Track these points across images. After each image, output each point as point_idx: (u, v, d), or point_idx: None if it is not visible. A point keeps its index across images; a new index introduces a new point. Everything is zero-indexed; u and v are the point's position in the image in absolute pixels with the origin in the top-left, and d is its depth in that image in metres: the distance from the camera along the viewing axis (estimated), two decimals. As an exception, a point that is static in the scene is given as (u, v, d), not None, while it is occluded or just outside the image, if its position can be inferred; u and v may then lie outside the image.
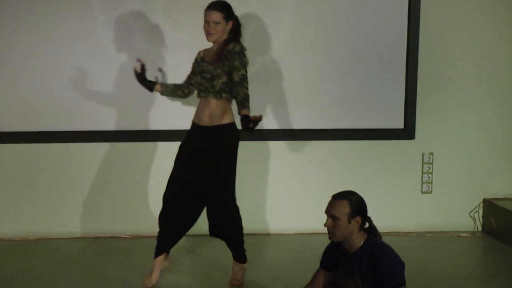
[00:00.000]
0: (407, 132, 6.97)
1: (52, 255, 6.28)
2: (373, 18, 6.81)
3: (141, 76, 5.64)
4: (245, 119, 5.09)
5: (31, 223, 6.76)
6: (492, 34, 7.03)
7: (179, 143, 5.49)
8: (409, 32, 6.87)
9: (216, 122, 5.30)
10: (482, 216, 7.17)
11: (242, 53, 5.27)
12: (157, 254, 5.48)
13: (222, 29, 5.27)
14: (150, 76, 5.76)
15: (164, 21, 6.61)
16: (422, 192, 7.10)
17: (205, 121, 5.31)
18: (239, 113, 5.18)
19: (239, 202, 6.39)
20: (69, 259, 6.16)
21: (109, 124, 6.65)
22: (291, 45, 6.78)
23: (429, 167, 7.09)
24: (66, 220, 6.77)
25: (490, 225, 7.03)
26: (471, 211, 7.18)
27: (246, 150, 6.66)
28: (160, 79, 6.23)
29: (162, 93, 5.70)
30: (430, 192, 7.11)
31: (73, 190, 6.75)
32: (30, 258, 6.18)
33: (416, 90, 6.95)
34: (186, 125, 5.50)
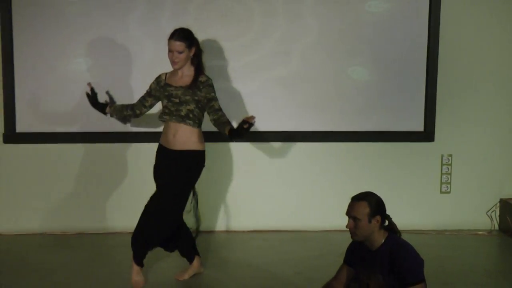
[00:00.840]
0: (427, 134, 7.02)
1: (90, 249, 6.43)
2: (394, 24, 6.87)
3: (92, 99, 5.85)
4: (240, 126, 5.20)
5: (71, 218, 6.92)
6: (511, 39, 7.08)
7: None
8: (429, 37, 6.92)
9: (184, 146, 5.42)
10: (499, 215, 7.21)
11: (213, 85, 5.50)
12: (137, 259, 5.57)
13: (186, 57, 5.41)
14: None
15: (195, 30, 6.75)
16: (441, 192, 7.16)
17: (171, 145, 5.44)
18: (228, 130, 5.30)
19: (269, 200, 6.62)
20: (106, 253, 6.29)
21: (138, 125, 6.79)
22: (315, 51, 6.86)
23: (448, 168, 7.13)
24: (103, 216, 6.94)
25: (506, 224, 7.07)
26: (488, 211, 7.23)
27: (274, 151, 6.87)
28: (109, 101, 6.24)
29: (111, 115, 5.83)
30: (449, 192, 7.16)
31: (111, 187, 6.90)
32: (70, 252, 6.34)
33: (436, 94, 6.99)
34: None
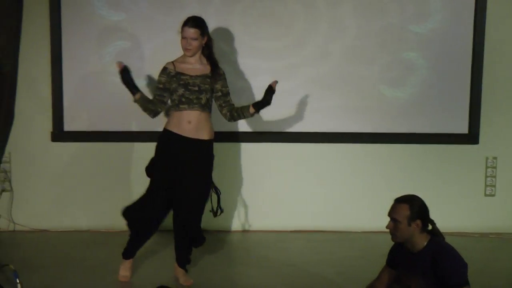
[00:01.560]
0: (471, 136, 6.98)
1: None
2: (439, 25, 6.85)
3: (126, 76, 5.54)
4: (266, 92, 5.48)
5: (115, 216, 6.78)
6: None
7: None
8: (474, 38, 6.89)
9: (203, 136, 5.48)
10: (544, 219, 7.14)
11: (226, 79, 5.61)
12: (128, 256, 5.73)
13: (199, 44, 5.46)
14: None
15: (241, 30, 6.81)
16: (485, 195, 7.11)
17: (190, 133, 5.44)
18: (252, 105, 5.50)
19: (311, 200, 6.65)
20: (150, 250, 6.32)
21: None
22: (357, 52, 6.88)
23: (493, 171, 7.08)
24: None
25: (551, 228, 6.99)
26: (533, 214, 7.16)
27: (316, 151, 6.95)
28: None
29: (136, 100, 5.56)
30: (493, 195, 7.11)
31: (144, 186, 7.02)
32: (114, 249, 6.29)
33: (481, 96, 6.95)
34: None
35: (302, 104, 6.88)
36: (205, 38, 5.50)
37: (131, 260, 5.74)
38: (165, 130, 5.56)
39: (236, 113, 5.59)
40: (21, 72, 6.75)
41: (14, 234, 6.93)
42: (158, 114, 5.70)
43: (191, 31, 5.41)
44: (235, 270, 5.91)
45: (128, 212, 5.69)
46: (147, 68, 6.77)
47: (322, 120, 6.94)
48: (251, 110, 5.52)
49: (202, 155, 5.50)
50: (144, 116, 6.40)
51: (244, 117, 5.66)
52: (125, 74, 5.51)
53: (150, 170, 5.64)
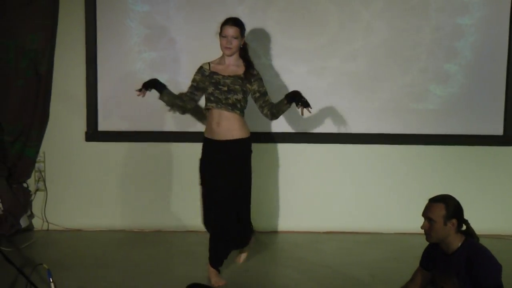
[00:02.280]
0: (506, 138, 6.94)
1: (167, 246, 6.54)
2: (475, 25, 6.82)
3: (152, 82, 5.63)
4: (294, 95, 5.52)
5: (149, 216, 7.04)
6: None
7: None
8: (510, 38, 6.86)
9: (234, 135, 5.54)
10: None
11: (262, 78, 5.67)
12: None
13: (238, 44, 5.55)
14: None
15: (276, 30, 6.81)
16: (521, 197, 7.06)
17: (216, 135, 5.55)
18: (286, 97, 5.55)
19: (345, 202, 6.63)
20: (183, 251, 6.39)
21: None
22: (393, 52, 6.86)
23: None
24: (181, 214, 7.03)
25: None
26: None
27: (350, 152, 6.94)
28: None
29: (162, 97, 5.63)
30: None
31: (188, 186, 6.92)
32: (148, 249, 6.45)
33: (516, 97, 6.92)
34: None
35: (335, 105, 6.87)
36: (243, 39, 5.60)
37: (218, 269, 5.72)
38: (203, 138, 5.71)
39: (275, 110, 5.65)
40: (56, 73, 6.86)
41: (48, 233, 6.97)
42: (187, 111, 5.85)
43: (232, 30, 5.51)
44: (269, 270, 5.91)
45: (205, 221, 5.83)
46: (181, 67, 6.83)
47: (355, 121, 6.93)
48: (285, 101, 5.58)
49: (235, 154, 5.56)
50: (179, 116, 6.51)
51: (283, 111, 5.69)
52: (149, 85, 5.63)
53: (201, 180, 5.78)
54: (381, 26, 6.84)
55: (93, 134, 6.94)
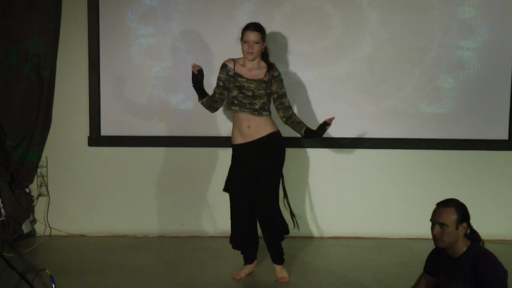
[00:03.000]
0: (511, 143, 6.92)
1: (171, 252, 6.53)
2: (478, 29, 6.80)
3: (197, 79, 5.58)
4: (321, 127, 5.56)
5: (152, 221, 7.02)
6: None
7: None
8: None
9: (264, 132, 5.62)
10: None
11: (282, 79, 5.73)
12: (245, 262, 5.88)
13: (260, 48, 5.60)
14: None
15: (281, 33, 6.79)
16: (526, 202, 7.04)
17: (248, 137, 5.62)
18: (304, 130, 5.61)
19: (350, 206, 6.60)
20: (187, 256, 6.38)
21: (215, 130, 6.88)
22: (397, 57, 6.84)
23: None
24: (184, 219, 7.02)
25: None
26: None
27: (355, 157, 6.93)
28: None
29: (203, 103, 5.69)
30: None
31: (192, 191, 6.98)
32: (151, 254, 6.45)
33: (521, 101, 6.91)
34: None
35: (339, 109, 6.83)
36: (265, 43, 5.65)
37: (250, 264, 5.92)
38: (232, 146, 5.76)
39: (289, 123, 5.73)
40: (58, 77, 6.86)
41: (51, 239, 6.94)
42: (216, 110, 5.87)
43: (254, 35, 5.56)
44: (274, 276, 5.84)
45: (234, 243, 5.87)
46: (184, 71, 6.74)
47: (360, 126, 6.91)
48: (302, 133, 5.66)
49: (270, 147, 5.65)
50: (182, 121, 6.49)
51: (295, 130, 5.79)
52: (198, 77, 5.59)
53: (228, 187, 5.80)
54: (387, 30, 6.83)
55: (96, 139, 6.92)
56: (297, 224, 5.98)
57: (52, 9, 6.70)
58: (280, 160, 5.73)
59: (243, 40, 5.59)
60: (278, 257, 5.80)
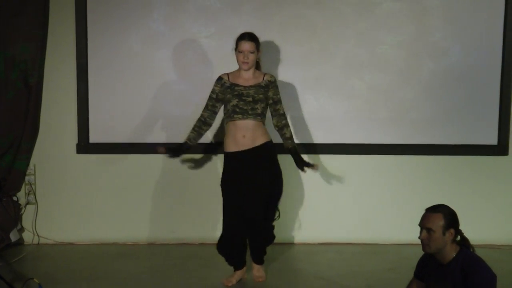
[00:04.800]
0: (501, 148, 6.91)
1: (161, 259, 6.50)
2: (468, 36, 6.80)
3: (176, 152, 5.95)
4: (301, 164, 5.79)
5: (142, 229, 7.00)
6: None
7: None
8: (504, 47, 6.83)
9: (259, 142, 5.67)
10: None
11: (277, 85, 5.80)
12: (235, 268, 5.88)
13: (255, 58, 5.68)
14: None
15: (275, 39, 6.79)
16: (516, 207, 7.04)
17: (242, 146, 5.65)
18: (289, 149, 5.80)
19: (341, 212, 6.59)
20: (176, 263, 6.36)
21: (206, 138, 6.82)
22: (386, 62, 6.84)
23: None
24: (174, 227, 7.00)
25: None
26: None
27: (345, 163, 6.93)
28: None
29: (190, 147, 5.93)
30: None
31: (181, 198, 6.96)
32: (141, 262, 6.43)
33: (510, 106, 6.89)
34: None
35: (330, 115, 6.85)
36: (259, 53, 5.73)
37: (240, 270, 5.92)
38: (225, 153, 5.78)
39: (280, 135, 5.86)
40: (46, 84, 6.83)
41: (39, 247, 6.91)
42: (211, 126, 5.94)
43: (248, 45, 5.64)
44: (265, 284, 5.85)
45: (221, 248, 5.88)
46: (177, 78, 6.83)
47: (352, 131, 6.92)
48: (287, 148, 5.85)
49: (264, 156, 5.71)
50: (171, 128, 6.54)
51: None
52: (172, 153, 5.95)
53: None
54: (374, 36, 6.84)
55: (85, 146, 6.90)
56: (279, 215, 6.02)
57: (39, 16, 6.68)
58: (275, 169, 5.80)
59: (238, 50, 5.65)
60: (259, 258, 5.89)
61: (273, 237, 5.94)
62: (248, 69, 5.68)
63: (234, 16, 6.77)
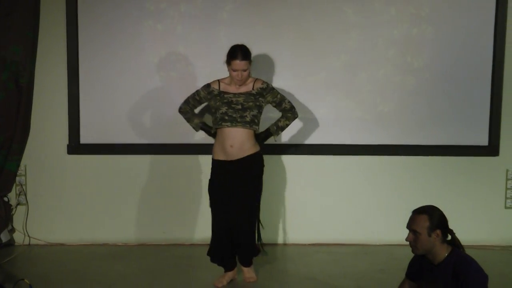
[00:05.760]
0: (491, 149, 6.94)
1: (151, 260, 6.49)
2: (460, 37, 6.82)
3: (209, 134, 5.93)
4: (266, 136, 5.86)
5: (133, 229, 6.99)
6: None
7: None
8: (495, 48, 6.86)
9: (247, 153, 5.65)
10: None
11: (273, 87, 5.81)
12: (226, 270, 5.88)
13: (248, 74, 5.65)
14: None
15: (260, 41, 6.76)
16: (506, 208, 7.04)
17: (230, 156, 5.63)
18: (271, 128, 5.84)
19: (332, 213, 6.59)
20: (167, 264, 6.35)
21: (198, 138, 6.79)
22: (378, 63, 6.86)
23: None
24: (165, 227, 6.99)
25: None
26: (555, 227, 7.09)
27: (337, 164, 6.94)
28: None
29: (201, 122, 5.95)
30: None
31: (172, 199, 6.96)
32: (131, 262, 6.41)
33: (501, 107, 6.92)
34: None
35: (319, 116, 6.87)
36: (251, 65, 5.71)
37: (231, 271, 5.92)
38: (212, 160, 5.78)
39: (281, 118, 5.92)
40: (37, 85, 6.81)
41: (30, 248, 6.90)
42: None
43: (243, 64, 5.60)
44: (257, 283, 5.85)
45: (212, 256, 5.88)
46: (169, 79, 6.82)
47: (341, 132, 6.93)
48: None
49: (248, 168, 5.66)
50: (160, 129, 6.50)
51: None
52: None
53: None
54: (370, 39, 6.85)
55: (76, 147, 6.89)
56: (262, 248, 6.02)
57: (30, 17, 6.66)
58: (257, 183, 5.76)
59: (231, 68, 5.60)
60: (247, 262, 5.88)
61: (257, 250, 5.90)
62: (242, 85, 5.68)
63: (222, 18, 6.78)
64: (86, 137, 6.88)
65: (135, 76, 6.83)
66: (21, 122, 6.77)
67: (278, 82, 6.77)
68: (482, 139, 6.99)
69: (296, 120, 6.59)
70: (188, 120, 5.94)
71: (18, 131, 6.75)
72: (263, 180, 5.81)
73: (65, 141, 6.89)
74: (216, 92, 5.69)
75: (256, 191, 5.75)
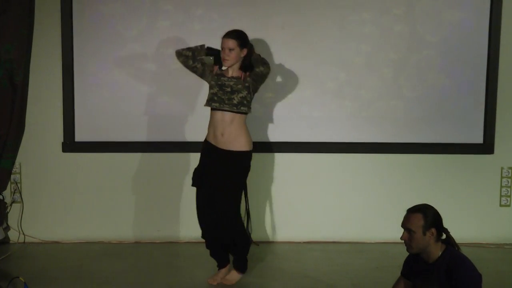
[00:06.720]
0: (486, 147, 6.95)
1: (146, 258, 6.50)
2: (454, 34, 6.83)
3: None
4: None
5: (128, 227, 6.99)
6: None
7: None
8: (489, 46, 6.87)
9: (237, 147, 5.58)
10: (560, 229, 7.10)
11: (265, 61, 5.66)
12: (219, 267, 5.88)
13: (236, 55, 5.59)
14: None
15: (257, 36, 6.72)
16: (501, 205, 7.06)
17: (220, 144, 5.59)
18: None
19: (327, 211, 6.59)
20: (162, 262, 6.35)
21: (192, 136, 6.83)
22: (373, 60, 6.86)
23: (508, 181, 7.04)
24: (159, 225, 7.00)
25: None
26: (550, 224, 7.11)
27: (332, 162, 6.95)
28: None
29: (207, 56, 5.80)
30: (509, 205, 7.06)
31: (167, 197, 6.96)
32: (126, 260, 6.41)
33: (496, 105, 6.92)
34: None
35: (313, 114, 6.87)
36: (244, 51, 5.64)
37: (223, 268, 5.90)
38: (205, 140, 5.74)
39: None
40: (32, 83, 6.81)
41: (25, 246, 6.89)
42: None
43: (229, 42, 5.56)
44: (250, 281, 5.85)
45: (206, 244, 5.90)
46: (164, 77, 6.81)
47: (336, 130, 6.93)
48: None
49: (231, 165, 5.59)
50: (156, 126, 6.51)
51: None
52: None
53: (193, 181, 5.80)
54: (361, 33, 6.85)
55: (70, 145, 6.88)
56: (252, 241, 6.03)
57: (24, 14, 6.65)
58: (238, 181, 5.66)
59: (221, 47, 5.61)
60: (236, 264, 5.84)
61: (246, 242, 5.81)
62: (229, 66, 5.63)
63: (220, 18, 6.79)
64: (81, 135, 6.88)
65: (129, 74, 6.81)
66: (16, 120, 6.75)
67: (271, 80, 6.76)
68: (477, 137, 6.99)
69: (289, 118, 6.60)
70: (188, 57, 5.75)
71: (13, 129, 6.74)
72: (248, 178, 5.73)
73: (60, 139, 6.88)
74: (215, 72, 5.69)
75: (236, 189, 5.65)
